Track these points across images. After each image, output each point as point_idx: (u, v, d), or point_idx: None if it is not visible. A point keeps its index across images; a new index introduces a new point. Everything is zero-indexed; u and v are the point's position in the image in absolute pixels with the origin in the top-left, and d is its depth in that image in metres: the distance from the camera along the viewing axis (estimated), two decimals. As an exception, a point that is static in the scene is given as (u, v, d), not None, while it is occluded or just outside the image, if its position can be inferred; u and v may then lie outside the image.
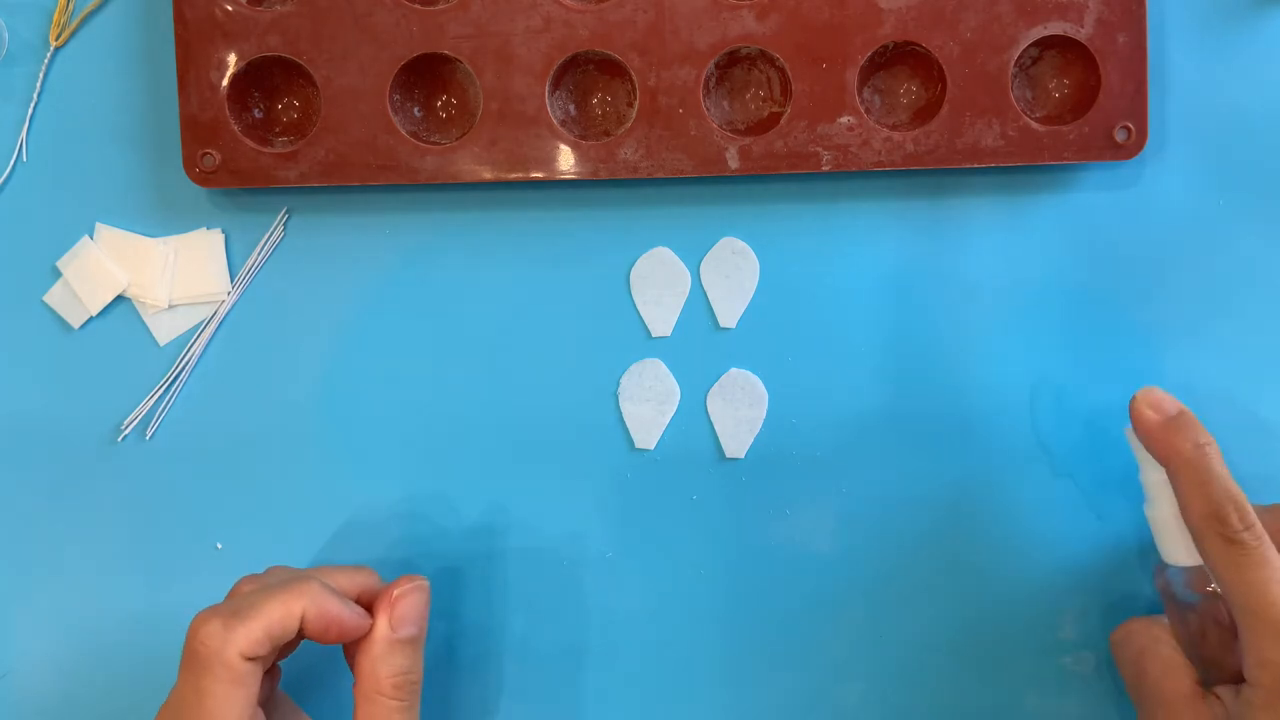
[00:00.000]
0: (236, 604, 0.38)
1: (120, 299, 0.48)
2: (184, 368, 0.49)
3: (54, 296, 0.49)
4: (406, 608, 0.41)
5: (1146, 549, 0.47)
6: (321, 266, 0.49)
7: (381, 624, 0.40)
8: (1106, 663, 0.47)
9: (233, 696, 0.37)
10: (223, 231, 0.49)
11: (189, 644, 0.37)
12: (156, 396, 0.49)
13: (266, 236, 0.48)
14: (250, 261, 0.48)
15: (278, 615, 0.38)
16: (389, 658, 0.40)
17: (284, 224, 0.48)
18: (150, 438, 0.49)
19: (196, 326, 0.49)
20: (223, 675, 0.37)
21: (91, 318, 0.49)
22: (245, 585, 0.41)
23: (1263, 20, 0.47)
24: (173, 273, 0.48)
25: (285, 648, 0.41)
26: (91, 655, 0.49)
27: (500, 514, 0.48)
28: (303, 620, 0.39)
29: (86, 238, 0.48)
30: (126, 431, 0.49)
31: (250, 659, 0.37)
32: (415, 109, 0.48)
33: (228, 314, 0.49)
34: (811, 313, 0.48)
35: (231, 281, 0.49)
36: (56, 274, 0.49)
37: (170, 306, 0.48)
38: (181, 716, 0.37)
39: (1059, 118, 0.46)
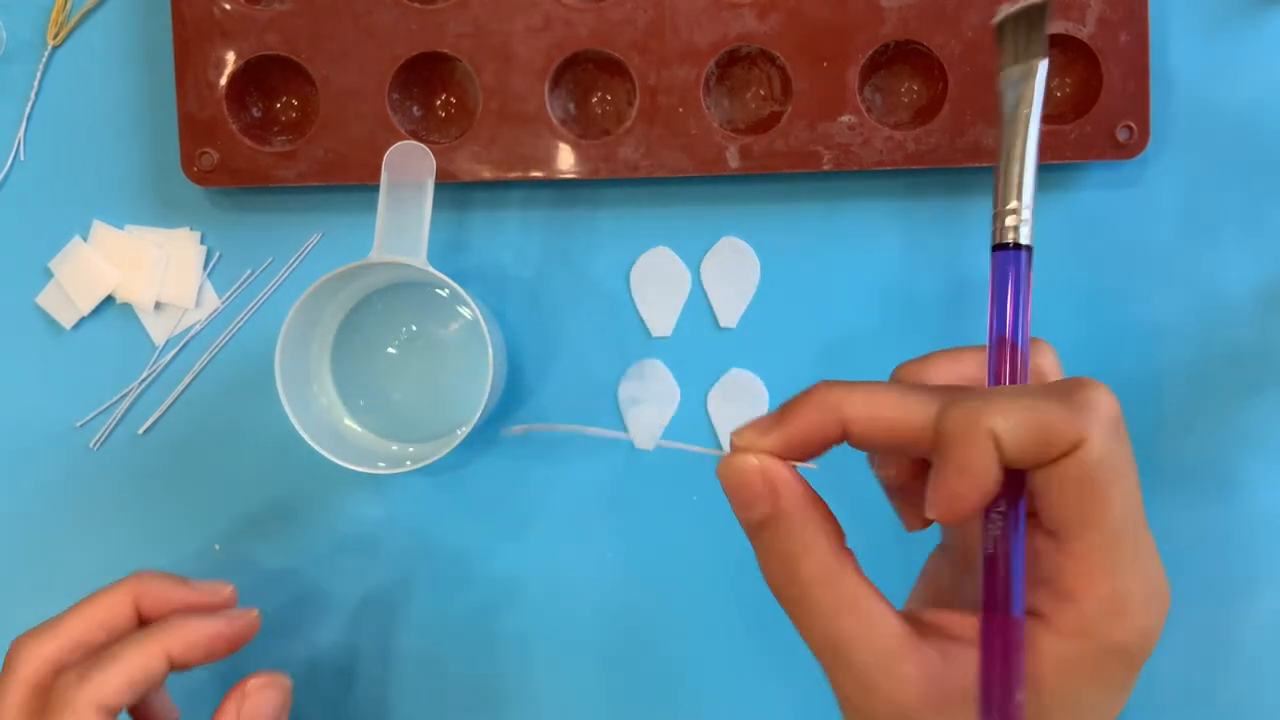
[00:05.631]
0: (101, 652, 0.36)
1: (119, 299, 0.48)
2: (180, 367, 0.48)
3: (46, 298, 0.48)
4: (257, 704, 0.37)
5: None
6: (319, 265, 0.48)
7: (229, 715, 0.37)
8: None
9: None
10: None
11: (42, 692, 0.36)
12: (153, 396, 0.48)
13: (295, 259, 0.48)
14: (246, 275, 0.48)
15: (145, 661, 0.36)
16: None
17: (314, 247, 0.48)
18: (146, 438, 0.48)
19: (193, 325, 0.48)
20: None
21: (84, 317, 0.48)
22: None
23: (1264, 19, 0.47)
24: (168, 272, 0.48)
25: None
26: (89, 656, 0.49)
27: (499, 514, 0.48)
28: (170, 657, 0.36)
29: (78, 238, 0.48)
30: (108, 434, 0.48)
31: (109, 711, 0.35)
32: (414, 108, 0.48)
33: (223, 312, 0.49)
34: (812, 313, 0.48)
35: (229, 282, 0.48)
36: (51, 274, 0.48)
37: (166, 305, 0.48)
38: None
39: (1061, 117, 0.46)
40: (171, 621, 0.37)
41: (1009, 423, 0.26)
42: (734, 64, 0.47)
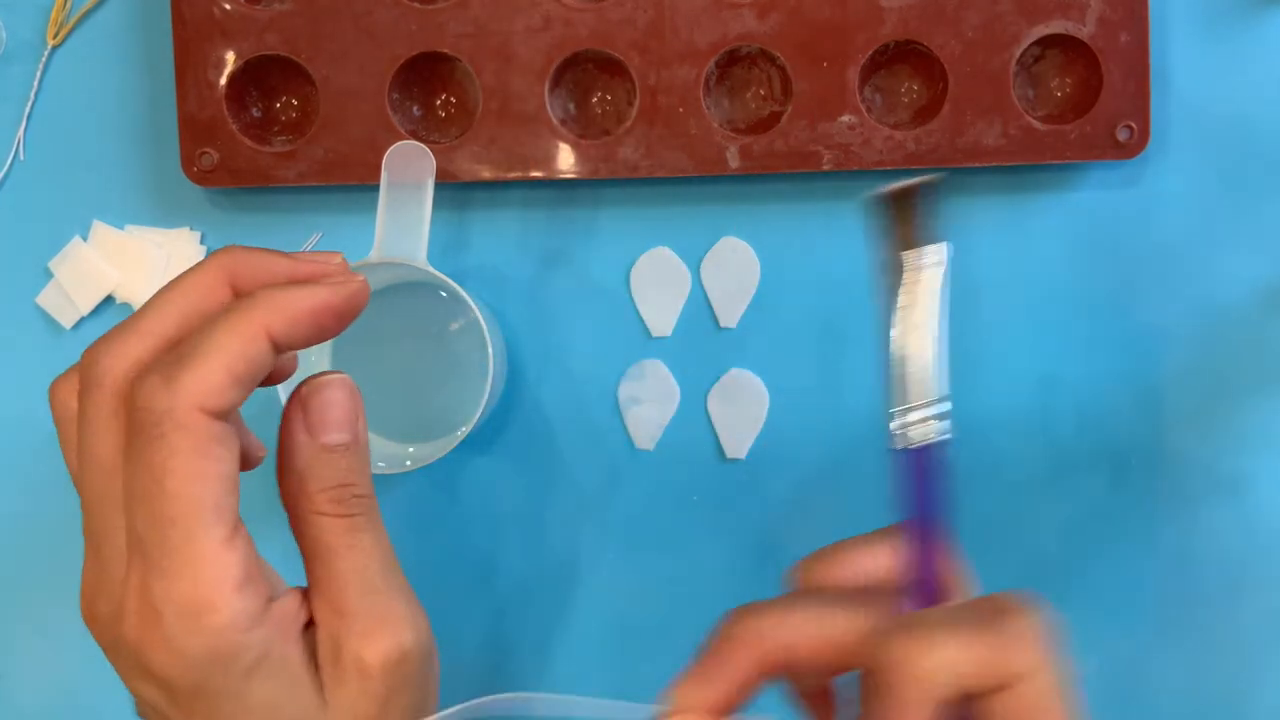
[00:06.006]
0: (181, 346, 0.28)
1: (119, 299, 0.48)
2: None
3: (46, 298, 0.48)
4: (323, 407, 0.30)
5: (1151, 548, 0.47)
6: (320, 266, 0.48)
7: (297, 431, 0.30)
8: (1108, 663, 0.47)
9: (201, 472, 0.27)
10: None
11: (128, 407, 0.27)
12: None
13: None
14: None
15: (242, 346, 0.28)
16: (315, 469, 0.30)
17: (314, 247, 0.48)
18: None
19: (195, 326, 0.48)
20: (181, 442, 0.27)
21: (84, 317, 0.48)
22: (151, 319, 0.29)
23: (1265, 19, 0.47)
24: (169, 272, 0.48)
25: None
26: (89, 657, 0.49)
27: (499, 514, 0.48)
28: (272, 337, 0.28)
29: (78, 238, 0.48)
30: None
31: (215, 414, 0.27)
32: (414, 108, 0.48)
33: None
34: (812, 313, 0.48)
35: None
36: (51, 274, 0.48)
37: (168, 306, 0.48)
38: (143, 507, 0.27)
39: (1061, 117, 0.46)
40: (265, 292, 0.28)
41: (954, 658, 0.25)
42: (734, 64, 0.47)
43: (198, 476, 0.27)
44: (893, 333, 0.28)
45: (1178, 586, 0.47)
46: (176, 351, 0.27)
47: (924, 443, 0.27)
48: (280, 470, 0.30)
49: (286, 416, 0.30)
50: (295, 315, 0.28)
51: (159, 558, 0.27)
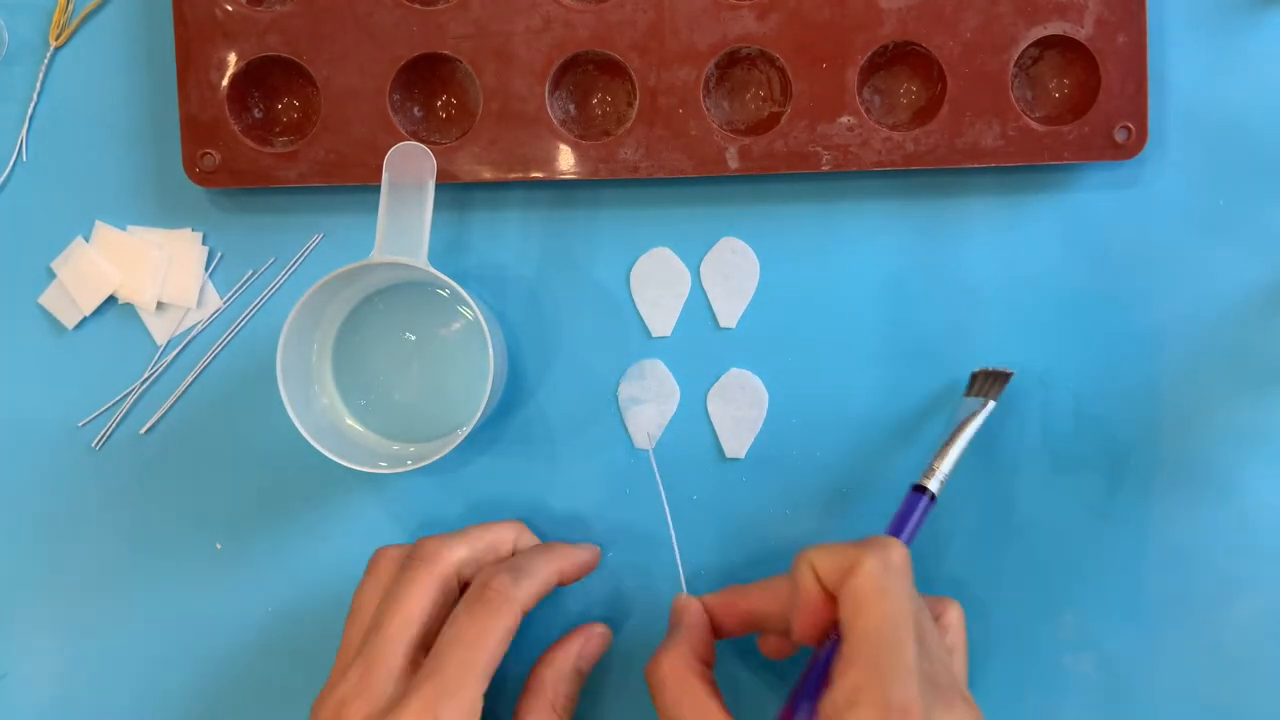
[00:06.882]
0: (519, 562, 0.42)
1: (121, 299, 0.48)
2: (181, 367, 0.49)
3: (48, 298, 0.49)
4: (595, 649, 0.45)
5: (1148, 547, 0.47)
6: (320, 266, 0.49)
7: (573, 651, 0.44)
8: (1106, 663, 0.47)
9: (504, 641, 0.40)
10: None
11: (478, 589, 0.41)
12: (154, 396, 0.49)
13: (297, 259, 0.48)
14: (248, 276, 0.49)
15: (552, 577, 0.43)
16: (568, 680, 0.44)
17: (315, 248, 0.48)
18: (148, 438, 0.49)
19: (194, 325, 0.49)
20: (508, 620, 0.40)
21: (86, 318, 0.49)
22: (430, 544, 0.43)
23: (1263, 20, 0.47)
24: (170, 272, 0.48)
25: None
26: (90, 656, 0.49)
27: (499, 514, 0.48)
28: (560, 576, 0.44)
29: (80, 239, 0.48)
30: (109, 434, 0.49)
31: (525, 611, 0.41)
32: (415, 109, 0.48)
33: (225, 312, 0.49)
34: (811, 313, 0.48)
35: (231, 282, 0.49)
36: (54, 274, 0.49)
37: (168, 306, 0.48)
38: (462, 648, 0.39)
39: (1059, 118, 0.46)
40: (560, 549, 0.45)
41: (819, 555, 0.38)
42: (734, 65, 0.47)
43: (502, 643, 0.40)
44: (953, 432, 0.45)
45: (1175, 585, 0.47)
46: (517, 566, 0.42)
47: (932, 493, 0.44)
48: (542, 659, 0.44)
49: (571, 636, 0.45)
50: (571, 566, 0.44)
51: (454, 686, 0.38)
